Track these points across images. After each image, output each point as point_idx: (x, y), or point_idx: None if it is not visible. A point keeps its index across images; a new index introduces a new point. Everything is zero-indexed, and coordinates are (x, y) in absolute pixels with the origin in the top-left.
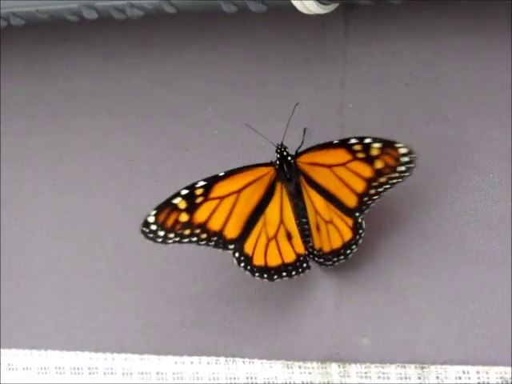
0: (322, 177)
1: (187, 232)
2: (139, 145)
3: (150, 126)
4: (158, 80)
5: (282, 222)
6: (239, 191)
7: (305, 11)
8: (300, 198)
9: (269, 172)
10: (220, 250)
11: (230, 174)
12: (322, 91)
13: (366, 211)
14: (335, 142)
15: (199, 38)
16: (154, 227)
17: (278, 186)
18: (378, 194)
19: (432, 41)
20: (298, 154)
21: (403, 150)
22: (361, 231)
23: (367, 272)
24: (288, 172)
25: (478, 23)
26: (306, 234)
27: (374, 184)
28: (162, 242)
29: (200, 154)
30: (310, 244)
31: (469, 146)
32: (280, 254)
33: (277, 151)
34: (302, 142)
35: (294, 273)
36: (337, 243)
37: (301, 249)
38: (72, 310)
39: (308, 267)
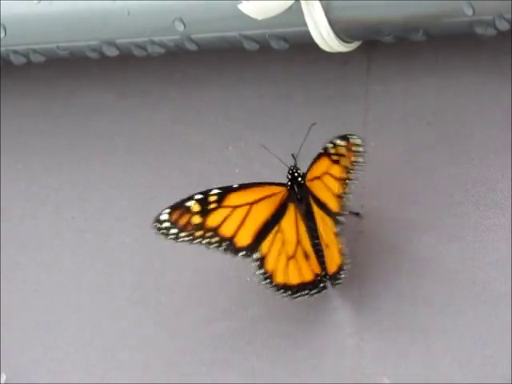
0: (318, 189)
1: (199, 233)
2: (159, 183)
3: (170, 163)
4: (178, 118)
5: (299, 242)
6: (252, 203)
7: (327, 49)
8: (311, 219)
9: (280, 192)
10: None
11: (243, 187)
12: (344, 129)
13: (345, 213)
14: (320, 151)
15: (220, 76)
16: (167, 224)
17: (291, 207)
18: (346, 191)
19: (454, 79)
20: (306, 174)
21: (357, 141)
22: (343, 256)
23: (388, 311)
24: (299, 193)
25: (500, 62)
26: (320, 255)
27: (345, 182)
28: (173, 240)
29: None
30: (325, 265)
31: (491, 184)
32: (300, 272)
33: (288, 172)
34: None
35: (314, 291)
36: (334, 267)
37: (317, 269)
38: (91, 347)
39: (325, 287)
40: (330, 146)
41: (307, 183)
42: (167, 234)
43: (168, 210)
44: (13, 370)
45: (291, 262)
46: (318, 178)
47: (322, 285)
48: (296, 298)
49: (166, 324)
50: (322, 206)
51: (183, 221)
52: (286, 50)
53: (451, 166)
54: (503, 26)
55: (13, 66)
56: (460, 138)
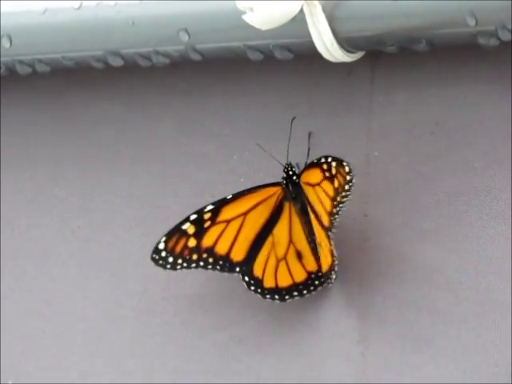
0: (310, 195)
1: (195, 257)
2: (164, 192)
3: (175, 173)
4: (183, 127)
5: (291, 241)
6: (245, 213)
7: (331, 59)
8: (308, 215)
9: (276, 192)
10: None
11: (238, 196)
12: (348, 139)
13: (332, 230)
14: (314, 161)
15: (225, 86)
16: (163, 254)
17: (286, 206)
18: (337, 212)
19: (458, 89)
20: (300, 173)
21: (347, 169)
22: (334, 258)
23: (392, 320)
24: (293, 191)
25: (503, 72)
26: (317, 251)
27: (335, 203)
28: (170, 268)
29: None
30: (320, 261)
31: (494, 194)
32: (290, 274)
33: (283, 170)
34: (309, 149)
35: (305, 292)
36: (326, 266)
37: (312, 266)
38: (96, 356)
39: (321, 284)
40: (323, 160)
41: (302, 184)
42: (165, 264)
43: (164, 238)
44: (19, 379)
45: (281, 264)
46: (311, 185)
47: (317, 282)
48: (286, 300)
49: (172, 333)
50: (314, 213)
51: (180, 246)
52: (290, 60)
53: (454, 176)
54: (506, 36)
55: (18, 76)
56: (463, 147)
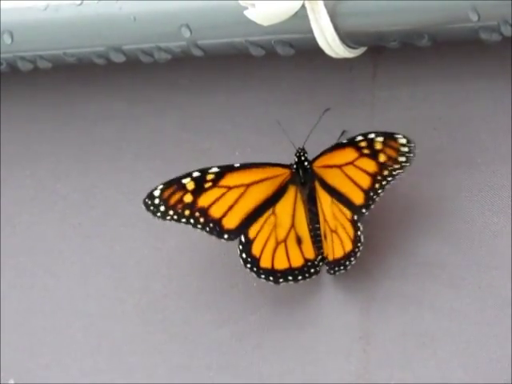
0: (334, 177)
1: (187, 213)
2: None
3: (177, 169)
4: (184, 124)
5: (293, 225)
6: (248, 185)
7: (333, 55)
8: (313, 203)
9: (284, 173)
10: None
11: (245, 166)
12: (350, 135)
13: (372, 207)
14: (344, 141)
15: (226, 82)
16: (156, 201)
17: (292, 190)
18: (382, 187)
19: (460, 85)
20: (314, 159)
21: (403, 141)
22: (359, 244)
23: (394, 316)
24: (303, 177)
25: (505, 67)
26: (318, 240)
27: (379, 178)
28: (160, 217)
29: None
30: (322, 250)
31: (497, 190)
32: (288, 258)
33: (295, 154)
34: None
35: (300, 277)
36: (339, 253)
37: (310, 254)
38: (98, 353)
39: (316, 272)
40: (360, 138)
41: (317, 169)
42: (155, 212)
43: (161, 187)
44: (21, 376)
45: (280, 247)
46: (336, 166)
47: (312, 270)
48: (280, 283)
49: (173, 329)
50: (337, 195)
51: (175, 198)
52: (291, 55)
53: (457, 172)
54: (508, 31)
55: (20, 73)
56: (466, 143)
